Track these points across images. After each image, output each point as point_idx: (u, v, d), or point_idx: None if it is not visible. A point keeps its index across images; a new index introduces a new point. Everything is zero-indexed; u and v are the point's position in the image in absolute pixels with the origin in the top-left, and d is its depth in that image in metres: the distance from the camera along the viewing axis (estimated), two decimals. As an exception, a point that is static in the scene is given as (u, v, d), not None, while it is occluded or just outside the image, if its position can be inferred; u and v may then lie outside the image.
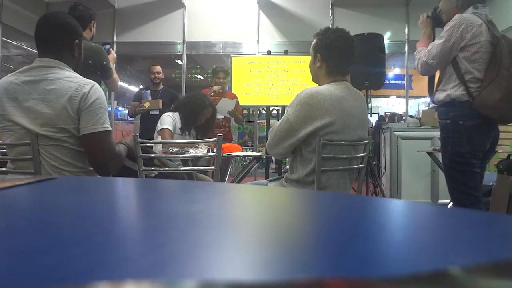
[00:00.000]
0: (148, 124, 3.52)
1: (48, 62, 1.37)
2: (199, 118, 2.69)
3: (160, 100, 3.72)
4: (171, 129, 2.63)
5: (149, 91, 3.82)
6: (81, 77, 1.39)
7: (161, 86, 4.02)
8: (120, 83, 9.45)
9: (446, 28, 1.90)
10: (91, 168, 1.41)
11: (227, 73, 3.82)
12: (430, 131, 3.87)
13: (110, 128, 1.39)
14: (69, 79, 1.34)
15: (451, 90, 1.89)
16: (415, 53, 2.05)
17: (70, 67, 1.41)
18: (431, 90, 2.11)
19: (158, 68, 3.97)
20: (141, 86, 4.10)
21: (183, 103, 2.80)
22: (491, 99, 1.78)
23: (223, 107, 3.42)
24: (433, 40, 2.01)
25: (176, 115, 2.71)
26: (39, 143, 1.31)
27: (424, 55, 1.94)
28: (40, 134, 1.31)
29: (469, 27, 1.83)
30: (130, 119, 6.40)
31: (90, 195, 0.50)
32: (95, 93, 1.34)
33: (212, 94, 3.51)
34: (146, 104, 3.70)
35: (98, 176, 1.46)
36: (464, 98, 1.85)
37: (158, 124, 2.68)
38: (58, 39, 1.40)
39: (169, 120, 2.66)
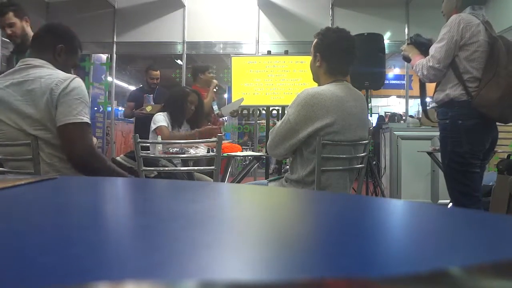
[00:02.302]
0: (144, 125, 3.52)
1: (31, 61, 1.39)
2: (186, 107, 2.65)
3: (162, 105, 3.71)
4: (167, 125, 2.63)
5: (151, 95, 3.81)
6: (62, 72, 1.38)
7: (156, 87, 4.03)
8: (120, 83, 9.46)
9: (444, 30, 1.89)
10: None
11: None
12: (430, 131, 3.87)
13: (87, 121, 1.35)
14: (49, 76, 1.34)
15: (450, 90, 1.89)
16: (413, 68, 2.02)
17: (53, 67, 1.41)
18: (423, 102, 2.12)
19: (157, 73, 3.98)
20: (140, 86, 4.08)
21: (167, 100, 2.81)
22: (490, 98, 1.78)
23: (230, 107, 3.44)
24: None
25: (167, 114, 2.71)
26: (38, 143, 1.32)
27: (428, 61, 1.90)
28: (30, 134, 1.31)
29: (468, 26, 1.83)
30: (131, 119, 6.40)
31: (90, 195, 0.50)
32: (71, 85, 1.33)
33: (216, 88, 3.54)
34: (148, 108, 3.68)
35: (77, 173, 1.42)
36: (463, 97, 1.85)
37: (152, 124, 2.67)
38: (42, 40, 1.44)
39: (162, 118, 2.65)
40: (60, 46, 1.44)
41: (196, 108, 2.71)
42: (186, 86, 2.83)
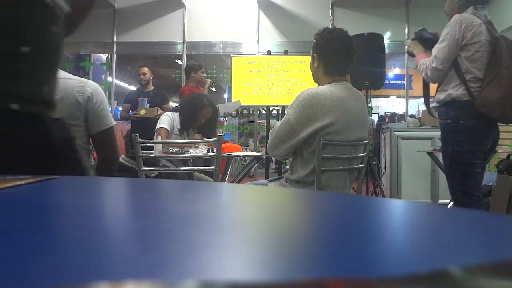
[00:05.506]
0: (140, 126, 3.52)
1: None
2: (198, 118, 2.64)
3: (156, 109, 3.69)
4: (168, 128, 2.62)
5: (146, 98, 3.81)
6: (75, 77, 1.41)
7: (152, 87, 4.01)
8: (120, 83, 9.45)
9: (445, 30, 1.89)
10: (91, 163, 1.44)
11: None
12: (430, 131, 3.87)
13: (115, 123, 1.47)
14: (63, 80, 1.35)
15: (452, 90, 1.89)
16: (417, 67, 2.03)
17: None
18: (427, 99, 2.12)
19: (144, 69, 3.99)
20: (139, 87, 4.09)
21: (182, 103, 2.79)
22: (492, 98, 1.78)
23: (225, 108, 3.44)
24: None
25: (176, 115, 2.70)
26: None
27: (431, 62, 1.90)
28: None
29: (469, 26, 1.84)
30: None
31: (90, 195, 0.50)
32: (97, 93, 1.38)
33: (213, 86, 3.55)
34: (142, 112, 3.67)
35: (97, 172, 1.46)
36: (464, 97, 1.85)
37: (157, 123, 2.68)
38: None
39: (167, 120, 2.65)
40: None
41: (207, 121, 2.67)
42: (207, 96, 2.78)
